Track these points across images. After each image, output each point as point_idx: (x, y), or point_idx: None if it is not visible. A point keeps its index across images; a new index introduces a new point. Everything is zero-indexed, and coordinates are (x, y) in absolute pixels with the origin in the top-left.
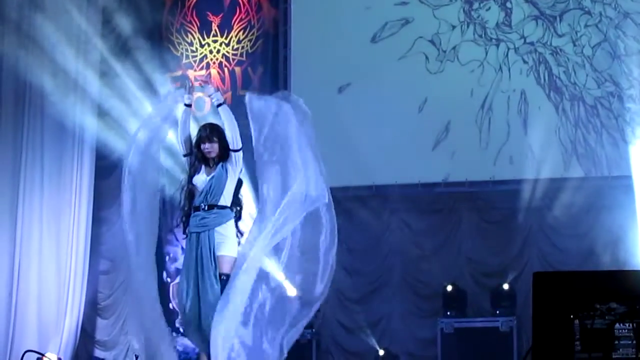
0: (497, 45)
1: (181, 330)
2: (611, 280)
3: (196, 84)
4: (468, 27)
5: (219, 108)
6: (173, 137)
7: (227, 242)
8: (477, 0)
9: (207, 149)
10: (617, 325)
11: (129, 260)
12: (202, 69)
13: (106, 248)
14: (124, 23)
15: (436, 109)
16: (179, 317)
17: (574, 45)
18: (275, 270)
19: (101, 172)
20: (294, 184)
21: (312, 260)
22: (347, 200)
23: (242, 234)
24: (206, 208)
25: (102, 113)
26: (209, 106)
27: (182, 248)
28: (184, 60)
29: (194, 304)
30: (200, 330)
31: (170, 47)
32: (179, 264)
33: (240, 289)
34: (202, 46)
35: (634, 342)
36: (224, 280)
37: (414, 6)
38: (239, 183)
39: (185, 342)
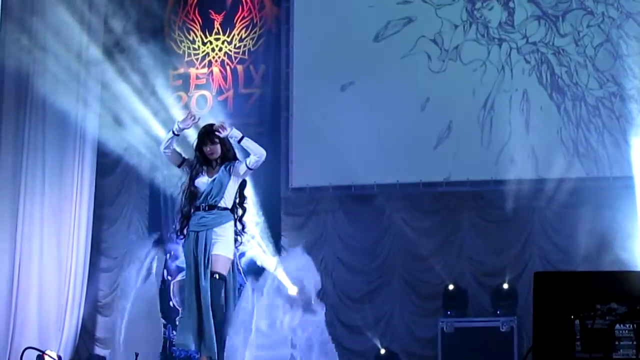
0: (500, 45)
1: None
2: (612, 281)
3: (218, 128)
4: (470, 26)
5: (242, 142)
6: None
7: (223, 242)
8: (479, 0)
9: (209, 151)
10: (617, 325)
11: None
12: (204, 67)
13: (107, 246)
14: (127, 20)
15: (438, 109)
16: (180, 314)
17: (576, 45)
18: None
19: (102, 170)
20: None
21: None
22: (348, 199)
23: (245, 232)
24: (206, 208)
25: (103, 110)
26: (211, 104)
27: (183, 247)
28: (186, 58)
29: (191, 303)
30: (198, 329)
31: (172, 44)
32: (180, 262)
33: None
34: (204, 44)
35: (635, 342)
36: (217, 280)
37: (416, 5)
38: (243, 183)
39: None
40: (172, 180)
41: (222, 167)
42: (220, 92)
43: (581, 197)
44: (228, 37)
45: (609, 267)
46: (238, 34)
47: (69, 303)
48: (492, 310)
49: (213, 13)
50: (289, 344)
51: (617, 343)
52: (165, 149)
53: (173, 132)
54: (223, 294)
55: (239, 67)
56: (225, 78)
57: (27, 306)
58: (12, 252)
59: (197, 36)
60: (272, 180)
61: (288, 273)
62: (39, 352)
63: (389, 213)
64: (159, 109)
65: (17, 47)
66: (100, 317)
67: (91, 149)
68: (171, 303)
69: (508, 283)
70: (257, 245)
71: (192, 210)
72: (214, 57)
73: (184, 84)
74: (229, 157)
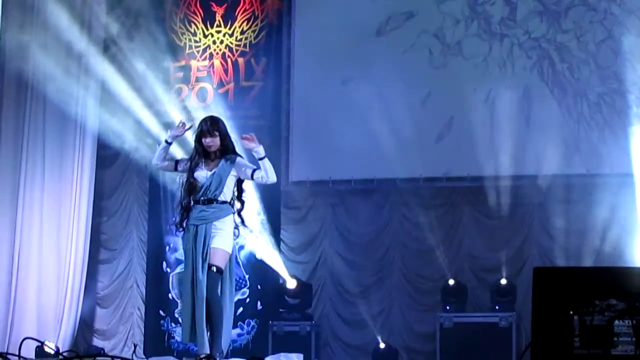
0: (501, 41)
1: (180, 320)
2: (611, 277)
3: (245, 141)
4: (472, 21)
5: (262, 161)
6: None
7: (222, 236)
8: None
9: (208, 143)
10: (616, 321)
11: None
12: (205, 59)
13: (106, 237)
14: (128, 12)
15: (439, 104)
16: (178, 307)
17: (578, 41)
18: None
19: (103, 161)
20: None
21: None
22: (348, 193)
23: (246, 226)
24: (206, 202)
25: (104, 102)
26: (211, 96)
27: (182, 239)
28: (187, 51)
29: (188, 296)
30: (192, 322)
31: (173, 37)
32: (179, 254)
33: None
34: (205, 36)
35: (634, 339)
36: (214, 273)
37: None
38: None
39: None
40: (172, 173)
41: (222, 161)
42: (221, 84)
43: (581, 193)
44: (229, 29)
45: (609, 263)
46: (239, 27)
47: (68, 294)
48: (491, 305)
49: (214, 5)
50: None
51: (615, 339)
52: (157, 160)
53: (166, 141)
54: (219, 290)
55: (240, 60)
56: (226, 71)
57: (26, 298)
58: (12, 244)
59: (198, 28)
60: None
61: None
62: (38, 343)
63: (389, 208)
64: (159, 101)
65: (17, 39)
66: (99, 308)
67: (91, 141)
68: (170, 295)
69: (507, 279)
70: (256, 239)
71: (192, 203)
72: (215, 50)
73: (185, 76)
74: (228, 150)
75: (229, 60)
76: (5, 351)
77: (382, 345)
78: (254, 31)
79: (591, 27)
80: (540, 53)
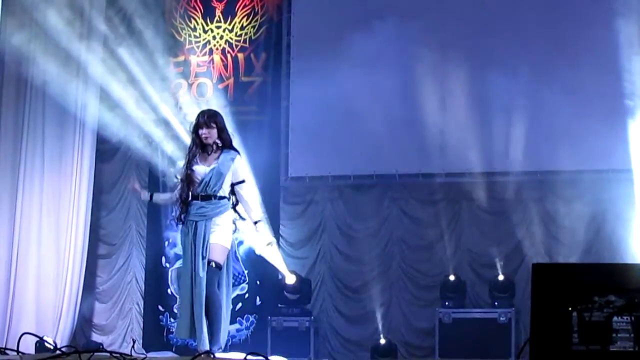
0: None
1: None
2: (610, 273)
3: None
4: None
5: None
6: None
7: (221, 231)
8: None
9: (204, 134)
10: (615, 318)
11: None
12: (205, 54)
13: (105, 232)
14: (128, 7)
15: (438, 100)
16: (177, 302)
17: (577, 35)
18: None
19: (102, 156)
20: None
21: None
22: (347, 189)
23: (243, 219)
24: (205, 198)
25: (103, 96)
26: (211, 91)
27: (181, 234)
28: (187, 46)
29: (187, 291)
30: (191, 317)
31: (173, 32)
32: (178, 249)
33: None
34: (205, 32)
35: (632, 335)
36: (213, 268)
37: None
38: None
39: None
40: (170, 167)
41: (223, 155)
42: (220, 80)
43: (580, 189)
44: (229, 25)
45: (608, 259)
46: (239, 22)
47: (67, 289)
48: (489, 301)
49: (214, 1)
50: None
51: (614, 335)
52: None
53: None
54: (217, 285)
55: (240, 55)
56: (226, 66)
57: (25, 292)
58: (11, 238)
59: (198, 24)
60: (271, 169)
61: None
62: (38, 338)
63: (388, 203)
64: (159, 96)
65: (17, 33)
66: (98, 303)
67: (91, 135)
68: (169, 290)
69: (506, 274)
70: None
71: (190, 197)
72: (214, 45)
73: (185, 71)
74: (226, 144)
75: (228, 56)
76: (4, 346)
77: (381, 341)
78: (253, 27)
79: (589, 19)
80: (537, 48)
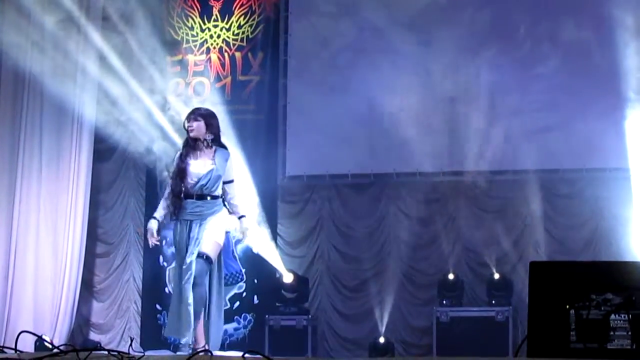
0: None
1: None
2: (608, 271)
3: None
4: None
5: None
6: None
7: (214, 228)
8: None
9: (190, 127)
10: (612, 316)
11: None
12: (202, 53)
13: (103, 231)
14: (125, 6)
15: (436, 98)
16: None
17: (575, 34)
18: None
19: (100, 155)
20: None
21: None
22: (345, 188)
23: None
24: (200, 197)
25: (101, 96)
26: (209, 90)
27: (174, 232)
28: (184, 45)
29: (178, 288)
30: (179, 315)
31: (170, 31)
32: None
33: None
34: (202, 31)
35: (630, 333)
36: (203, 260)
37: None
38: None
39: None
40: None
41: (218, 157)
42: (218, 79)
43: (577, 187)
44: (226, 24)
45: (605, 257)
46: (236, 21)
47: (65, 288)
48: (487, 299)
49: (212, 0)
50: None
51: (612, 333)
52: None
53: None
54: (207, 279)
55: (237, 54)
56: (223, 65)
57: (23, 291)
58: (9, 237)
59: (195, 23)
60: (268, 168)
61: None
62: (36, 337)
63: (385, 202)
64: (156, 95)
65: (14, 31)
66: (96, 302)
67: (88, 134)
68: (167, 289)
69: (503, 273)
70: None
71: (183, 193)
72: (212, 44)
73: (182, 70)
74: (216, 141)
75: (226, 55)
76: (1, 345)
77: (379, 340)
78: (251, 25)
79: (588, 17)
80: (533, 46)
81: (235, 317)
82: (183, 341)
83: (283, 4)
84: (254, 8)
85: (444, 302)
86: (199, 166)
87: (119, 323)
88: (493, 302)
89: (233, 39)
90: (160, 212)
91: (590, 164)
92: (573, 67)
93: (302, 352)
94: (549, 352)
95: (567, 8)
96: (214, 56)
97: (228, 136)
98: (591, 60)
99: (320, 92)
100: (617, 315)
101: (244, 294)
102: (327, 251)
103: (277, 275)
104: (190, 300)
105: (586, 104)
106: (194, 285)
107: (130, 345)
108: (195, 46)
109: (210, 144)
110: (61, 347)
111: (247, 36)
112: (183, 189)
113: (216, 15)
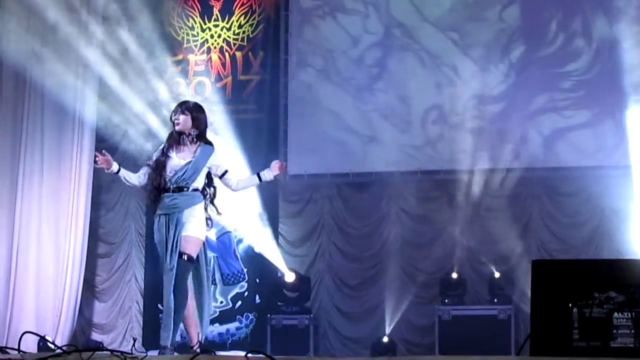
0: (498, 34)
1: None
2: (610, 269)
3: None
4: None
5: (259, 180)
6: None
7: (194, 223)
8: None
9: (176, 120)
10: (615, 314)
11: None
12: (203, 53)
13: (105, 231)
14: (126, 6)
15: (435, 97)
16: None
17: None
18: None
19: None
20: None
21: None
22: (346, 187)
23: (220, 214)
24: (176, 190)
25: (102, 95)
26: (209, 90)
27: (154, 228)
28: (185, 45)
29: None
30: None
31: (171, 31)
32: None
33: None
34: (203, 30)
35: (632, 331)
36: (185, 261)
37: None
38: None
39: None
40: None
41: (200, 150)
42: (219, 78)
43: (579, 185)
44: (227, 23)
45: (607, 255)
46: (237, 21)
47: (67, 288)
48: (489, 298)
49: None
50: None
51: (614, 332)
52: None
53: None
54: (190, 277)
55: (238, 54)
56: (224, 64)
57: (25, 292)
58: (11, 237)
59: (196, 22)
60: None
61: None
62: (39, 338)
63: (387, 201)
64: (157, 95)
65: (15, 32)
66: (98, 302)
67: (89, 134)
68: None
69: (506, 271)
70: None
71: (161, 186)
72: (212, 44)
73: (183, 70)
74: (202, 137)
75: (226, 54)
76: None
77: (381, 338)
78: (251, 25)
79: (588, 15)
80: (533, 45)
81: (237, 316)
82: (162, 344)
83: (283, 3)
84: (254, 7)
85: (446, 300)
86: (179, 160)
87: (121, 323)
88: (495, 300)
89: (234, 39)
90: (129, 174)
91: (592, 162)
92: (574, 65)
93: (304, 351)
94: (552, 350)
95: (570, 6)
96: (214, 56)
97: (229, 135)
98: (593, 57)
99: (321, 90)
100: (619, 314)
101: (246, 293)
102: (328, 250)
103: (279, 275)
104: (171, 304)
105: (587, 102)
106: (176, 285)
107: (133, 345)
108: (195, 46)
109: (194, 139)
110: (64, 348)
111: (248, 36)
112: (162, 182)
113: (217, 15)
